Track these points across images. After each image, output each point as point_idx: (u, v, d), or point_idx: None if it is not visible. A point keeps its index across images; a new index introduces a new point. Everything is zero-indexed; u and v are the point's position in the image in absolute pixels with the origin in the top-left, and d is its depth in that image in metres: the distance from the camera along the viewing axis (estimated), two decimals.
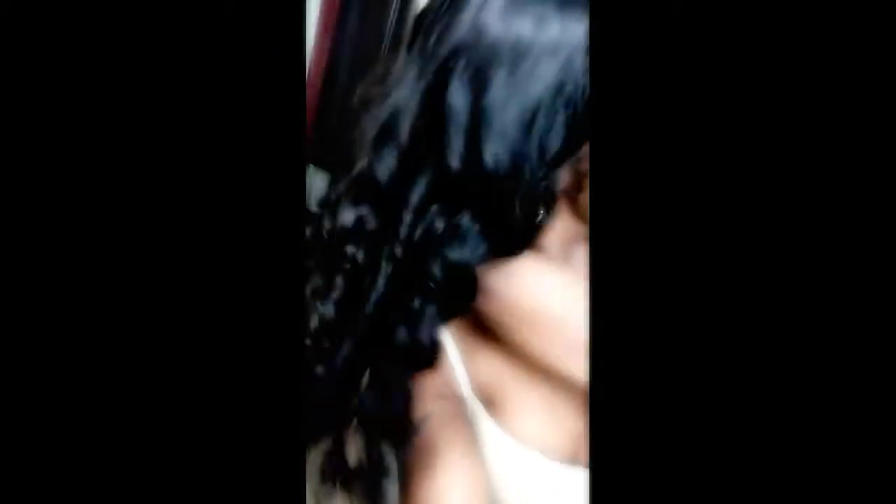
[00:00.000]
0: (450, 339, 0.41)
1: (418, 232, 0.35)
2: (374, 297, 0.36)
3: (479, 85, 0.33)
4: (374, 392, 0.37)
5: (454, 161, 0.34)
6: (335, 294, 0.37)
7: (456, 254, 0.34)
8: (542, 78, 0.33)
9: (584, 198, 0.35)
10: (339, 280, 0.37)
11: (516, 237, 0.35)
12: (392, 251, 0.36)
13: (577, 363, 0.34)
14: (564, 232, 0.37)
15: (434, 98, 0.34)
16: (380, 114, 0.37)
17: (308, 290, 0.39)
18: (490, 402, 0.39)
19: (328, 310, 0.38)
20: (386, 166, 0.36)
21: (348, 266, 0.37)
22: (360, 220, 0.37)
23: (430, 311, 0.36)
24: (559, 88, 0.33)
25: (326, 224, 0.39)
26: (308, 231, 0.40)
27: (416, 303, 0.36)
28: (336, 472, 0.37)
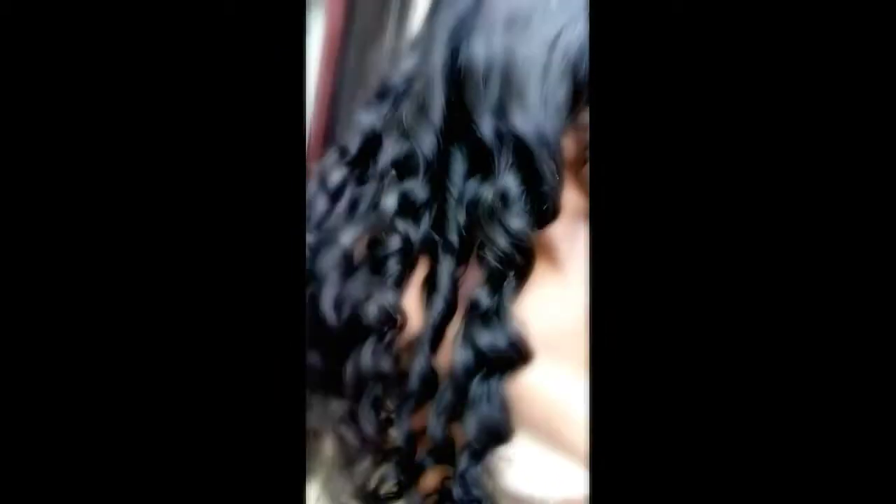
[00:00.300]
0: None
1: (469, 203, 0.35)
2: (442, 274, 0.36)
3: (489, 48, 0.34)
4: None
5: (486, 129, 0.34)
6: (391, 278, 0.36)
7: (513, 222, 0.34)
8: (542, 36, 0.33)
9: (586, 171, 0.35)
10: (392, 263, 0.36)
11: (550, 202, 0.34)
12: (448, 224, 0.36)
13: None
14: (571, 205, 0.36)
15: (452, 66, 0.35)
16: (399, 90, 0.38)
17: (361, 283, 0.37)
18: None
19: (388, 297, 0.36)
20: (422, 142, 0.36)
21: (402, 246, 0.36)
22: (405, 198, 0.36)
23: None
24: (555, 44, 0.33)
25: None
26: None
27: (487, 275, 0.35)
28: None
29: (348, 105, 0.94)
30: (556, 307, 0.36)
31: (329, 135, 0.98)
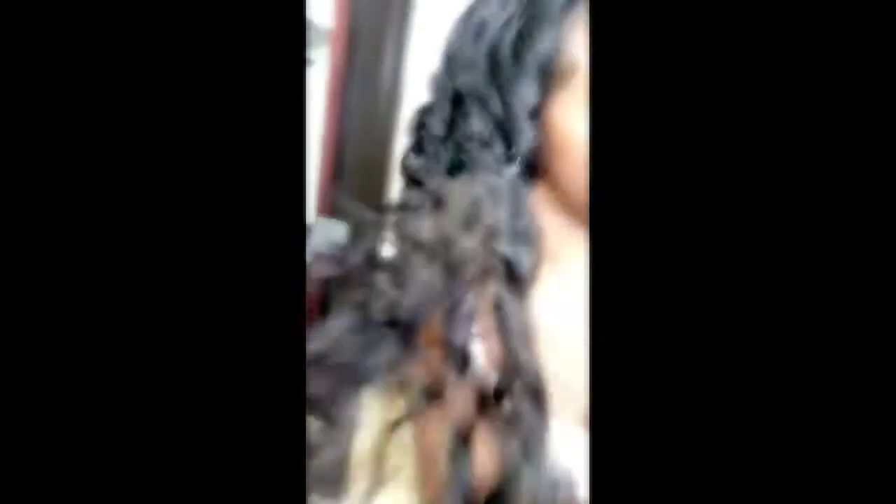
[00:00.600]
0: None
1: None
2: None
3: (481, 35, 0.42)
4: None
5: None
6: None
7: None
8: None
9: (560, 168, 0.41)
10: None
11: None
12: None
13: None
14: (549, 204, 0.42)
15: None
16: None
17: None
18: None
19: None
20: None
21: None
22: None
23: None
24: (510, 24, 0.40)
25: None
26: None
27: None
28: None
29: (354, 136, 0.96)
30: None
31: (338, 168, 0.99)
